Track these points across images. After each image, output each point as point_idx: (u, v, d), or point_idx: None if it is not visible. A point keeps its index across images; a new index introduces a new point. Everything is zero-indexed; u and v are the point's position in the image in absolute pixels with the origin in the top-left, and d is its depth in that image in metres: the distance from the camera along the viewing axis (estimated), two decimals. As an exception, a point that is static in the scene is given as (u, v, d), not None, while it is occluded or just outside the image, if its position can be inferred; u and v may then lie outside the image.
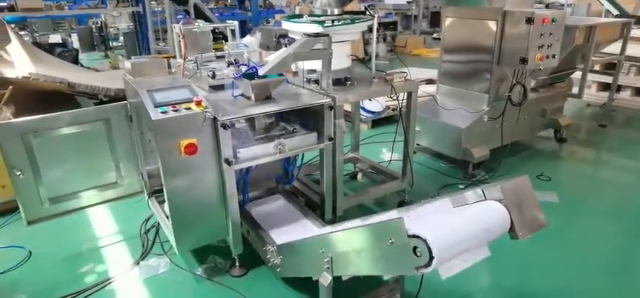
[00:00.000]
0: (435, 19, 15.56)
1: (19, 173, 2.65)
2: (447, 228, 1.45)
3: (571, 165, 4.69)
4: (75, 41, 12.86)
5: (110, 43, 12.71)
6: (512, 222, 1.57)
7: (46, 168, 2.76)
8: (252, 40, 5.50)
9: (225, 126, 2.36)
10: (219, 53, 3.23)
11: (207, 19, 8.58)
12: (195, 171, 2.42)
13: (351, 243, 1.73)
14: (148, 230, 3.31)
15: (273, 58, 3.23)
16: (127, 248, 3.15)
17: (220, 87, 2.96)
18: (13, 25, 10.88)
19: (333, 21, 3.03)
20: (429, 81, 6.64)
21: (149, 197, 3.17)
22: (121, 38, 12.34)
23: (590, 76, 5.60)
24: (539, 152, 4.96)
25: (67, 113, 2.79)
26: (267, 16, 11.69)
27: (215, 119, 2.36)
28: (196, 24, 3.20)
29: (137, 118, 2.96)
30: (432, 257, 1.32)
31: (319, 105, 2.73)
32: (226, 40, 3.80)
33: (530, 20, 3.66)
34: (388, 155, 4.77)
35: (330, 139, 2.83)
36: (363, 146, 4.40)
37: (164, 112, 2.27)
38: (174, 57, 3.58)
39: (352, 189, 3.95)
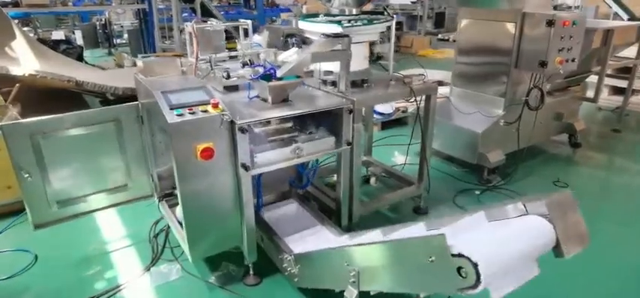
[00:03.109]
0: (439, 20, 15.45)
1: (27, 175, 2.56)
2: (495, 247, 1.35)
3: (588, 171, 4.59)
4: (79, 38, 12.76)
5: (114, 40, 12.61)
6: (557, 239, 1.48)
7: (55, 170, 2.66)
8: (259, 38, 5.41)
9: (243, 130, 2.27)
10: (232, 53, 3.14)
11: (215, 18, 8.49)
12: (211, 176, 2.33)
13: (382, 258, 1.64)
14: (158, 234, 3.22)
15: (284, 56, 3.14)
16: (136, 253, 3.06)
17: (234, 88, 2.87)
18: (16, 21, 10.81)
19: (349, 21, 2.93)
20: (440, 83, 6.55)
21: (160, 200, 3.08)
22: (126, 35, 12.25)
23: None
24: (553, 157, 4.86)
25: (77, 113, 2.70)
26: (273, 15, 11.58)
27: (232, 122, 2.27)
28: (209, 23, 3.11)
29: (148, 119, 2.87)
30: (479, 279, 1.22)
31: (338, 108, 2.64)
32: (232, 39, 3.70)
33: (551, 23, 3.56)
34: (400, 158, 4.68)
35: (349, 144, 2.74)
36: (374, 149, 4.30)
37: (180, 115, 2.18)
38: (182, 55, 3.49)
39: (366, 193, 3.86)
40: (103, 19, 12.43)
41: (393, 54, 3.20)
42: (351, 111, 2.66)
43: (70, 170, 2.73)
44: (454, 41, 14.15)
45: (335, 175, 3.94)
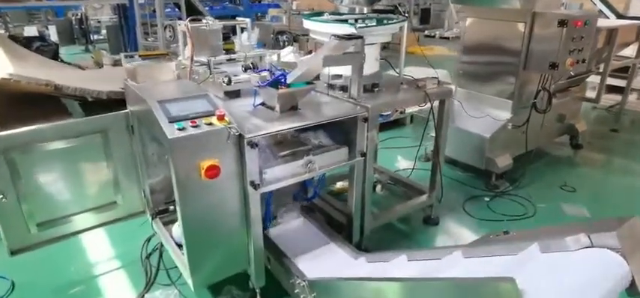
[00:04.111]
0: (425, 16, 15.34)
1: (0, 196, 2.24)
2: (569, 294, 1.15)
3: (593, 174, 4.49)
4: (53, 34, 12.13)
5: (91, 36, 12.03)
6: (632, 277, 1.29)
7: (33, 188, 2.36)
8: (251, 36, 5.13)
9: (252, 145, 2.02)
10: (230, 55, 2.87)
11: (199, 13, 8.11)
12: (216, 196, 2.07)
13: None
14: (150, 253, 2.94)
15: (285, 52, 2.89)
16: (126, 277, 2.78)
17: (235, 94, 2.61)
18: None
19: (356, 20, 2.70)
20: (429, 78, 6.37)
21: (153, 218, 2.79)
22: (104, 31, 11.69)
23: (598, 79, 5.45)
24: (556, 160, 4.75)
25: (59, 125, 2.40)
26: (260, 10, 11.23)
27: (241, 136, 2.02)
28: (205, 21, 2.83)
29: (139, 128, 2.58)
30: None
31: (352, 117, 2.41)
32: (228, 38, 3.43)
33: (563, 23, 3.41)
34: (403, 162, 4.49)
35: (363, 155, 2.51)
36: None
37: (181, 129, 1.91)
38: (167, 54, 3.19)
39: (372, 202, 3.60)
40: (80, 14, 11.84)
41: (404, 55, 2.99)
42: (366, 120, 2.44)
43: (50, 188, 2.43)
44: (441, 38, 14.10)
45: (338, 183, 3.75)
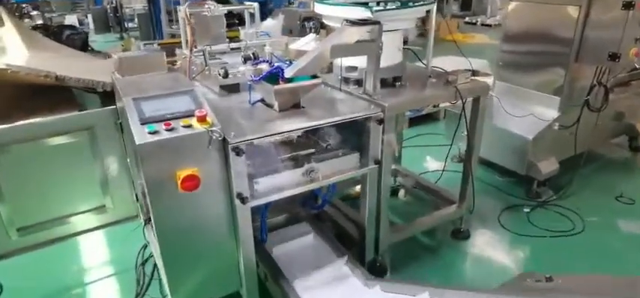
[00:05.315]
0: (466, 2, 14.48)
1: (-24, 199, 2.06)
2: None
3: (655, 183, 3.88)
4: (90, 22, 12.37)
5: (126, 24, 12.16)
6: None
7: (12, 190, 2.16)
8: (274, 23, 4.81)
9: (238, 152, 1.70)
10: (234, 44, 2.57)
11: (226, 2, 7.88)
12: (197, 210, 1.78)
13: None
14: (146, 260, 2.71)
15: (299, 44, 2.54)
16: (118, 286, 2.57)
17: (234, 88, 2.31)
18: (24, 5, 10.44)
19: (378, 2, 2.31)
20: (473, 73, 5.84)
21: (145, 223, 2.55)
22: (136, 19, 11.77)
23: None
24: (610, 163, 4.15)
25: (39, 121, 2.18)
26: (288, -5, 10.84)
27: (225, 140, 1.70)
28: (207, 6, 2.53)
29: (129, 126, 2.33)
30: None
31: (364, 118, 2.05)
32: (243, 24, 3.12)
33: (629, 5, 2.86)
34: (432, 163, 4.06)
35: (377, 162, 2.14)
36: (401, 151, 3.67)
37: (153, 132, 1.62)
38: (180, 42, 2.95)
39: (394, 209, 3.23)
40: (114, 2, 11.98)
41: (432, 43, 2.56)
42: (381, 121, 2.07)
43: (32, 190, 2.22)
44: (483, 25, 13.26)
45: (357, 186, 3.38)
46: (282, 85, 1.92)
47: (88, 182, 2.38)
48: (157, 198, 1.68)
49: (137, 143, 1.58)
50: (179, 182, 1.65)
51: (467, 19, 13.51)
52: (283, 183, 1.93)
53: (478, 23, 12.99)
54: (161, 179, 1.65)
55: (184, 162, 1.66)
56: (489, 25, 12.49)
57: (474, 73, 2.76)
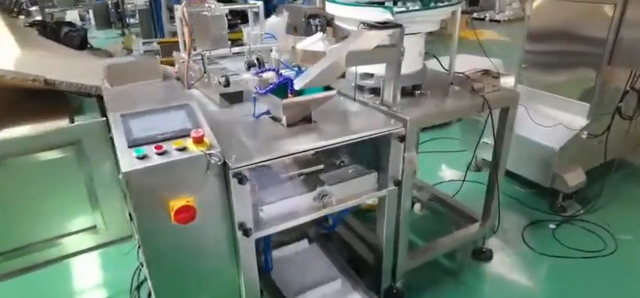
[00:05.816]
0: (475, -3, 14.14)
1: (-53, 224, 1.84)
2: None
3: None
4: (92, 18, 12.15)
5: (127, 20, 11.93)
6: None
7: (-9, 213, 1.94)
8: (278, 21, 4.56)
9: (241, 180, 1.47)
10: (236, 48, 2.33)
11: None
12: (193, 243, 1.55)
13: None
14: (141, 283, 2.50)
15: (305, 43, 2.30)
16: (110, 312, 2.35)
17: (237, 97, 2.07)
18: (23, 1, 10.22)
19: (395, 2, 2.06)
20: (485, 73, 5.56)
21: (139, 246, 2.33)
22: (137, 15, 11.54)
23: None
24: (638, 172, 3.88)
25: (20, 137, 1.95)
26: (294, -8, 10.58)
27: (225, 164, 1.47)
28: (206, 5, 2.29)
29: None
30: None
31: (384, 135, 1.81)
32: (246, 22, 2.87)
33: (671, 4, 2.59)
34: (448, 172, 3.81)
35: (397, 183, 1.90)
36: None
37: (142, 157, 1.39)
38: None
39: (410, 225, 2.96)
40: (115, -2, 11.76)
41: (456, 46, 2.31)
42: (402, 139, 1.83)
43: (12, 211, 2.00)
44: (492, 21, 12.98)
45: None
46: (291, 99, 1.68)
47: (76, 200, 2.14)
48: (147, 232, 1.46)
49: (123, 171, 1.35)
50: (172, 214, 1.42)
51: (475, 14, 13.18)
52: (292, 209, 1.70)
53: (486, 19, 12.66)
54: (151, 210, 1.42)
55: (178, 191, 1.43)
56: (498, 21, 12.17)
57: (486, 72, 2.50)
